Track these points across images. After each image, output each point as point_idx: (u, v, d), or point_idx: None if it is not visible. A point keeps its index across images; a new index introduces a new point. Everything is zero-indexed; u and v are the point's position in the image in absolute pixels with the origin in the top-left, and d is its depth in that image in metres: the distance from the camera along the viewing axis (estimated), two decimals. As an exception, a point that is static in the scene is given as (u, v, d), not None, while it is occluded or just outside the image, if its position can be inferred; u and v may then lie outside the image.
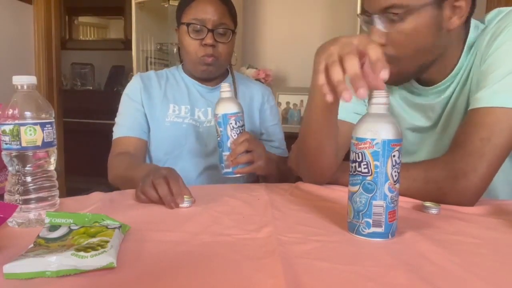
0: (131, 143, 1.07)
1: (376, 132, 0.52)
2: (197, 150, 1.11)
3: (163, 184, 0.69)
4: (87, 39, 4.29)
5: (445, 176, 0.69)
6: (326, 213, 0.66)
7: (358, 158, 0.53)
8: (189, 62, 1.10)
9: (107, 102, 2.00)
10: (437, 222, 0.62)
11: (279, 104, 2.36)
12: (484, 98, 0.69)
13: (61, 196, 0.66)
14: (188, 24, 1.04)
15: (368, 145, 0.52)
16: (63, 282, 0.40)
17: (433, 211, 0.67)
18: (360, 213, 0.54)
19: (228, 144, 0.87)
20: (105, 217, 0.55)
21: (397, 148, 0.52)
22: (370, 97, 0.54)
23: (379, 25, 0.73)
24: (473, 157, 0.68)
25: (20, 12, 2.34)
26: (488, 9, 0.79)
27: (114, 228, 0.51)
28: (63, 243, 0.47)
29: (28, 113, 0.58)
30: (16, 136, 0.57)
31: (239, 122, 0.88)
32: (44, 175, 0.61)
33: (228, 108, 0.87)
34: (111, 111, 1.20)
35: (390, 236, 0.54)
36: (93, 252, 0.43)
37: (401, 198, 0.59)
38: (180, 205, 0.68)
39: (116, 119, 1.12)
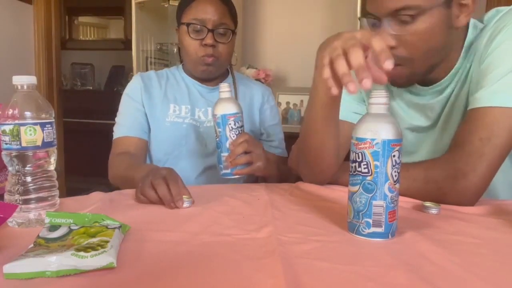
0: (132, 143, 1.07)
1: (376, 132, 0.52)
2: (197, 150, 1.11)
3: (162, 184, 0.69)
4: (87, 39, 4.29)
5: (445, 176, 0.69)
6: (326, 213, 0.66)
7: (358, 158, 0.53)
8: (189, 62, 1.10)
9: (107, 102, 2.00)
10: (437, 222, 0.62)
11: (279, 104, 2.36)
12: (483, 98, 0.69)
13: (61, 196, 0.66)
14: (188, 24, 1.04)
15: (368, 145, 0.52)
16: (63, 282, 0.40)
17: (433, 211, 0.67)
18: (360, 213, 0.54)
19: (227, 145, 0.87)
20: (105, 217, 0.55)
21: (397, 148, 0.52)
22: (370, 97, 0.54)
23: (389, 27, 0.71)
24: (472, 157, 0.68)
25: (20, 12, 2.34)
26: (488, 8, 0.79)
27: (114, 228, 0.51)
28: (63, 243, 0.47)
29: (28, 113, 0.58)
30: (16, 136, 0.57)
31: (238, 122, 0.87)
32: (44, 175, 0.61)
33: (227, 108, 0.86)
34: (111, 111, 1.20)
35: (390, 236, 0.54)
36: (93, 252, 0.43)
37: (401, 198, 0.59)
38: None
39: (117, 119, 1.12)
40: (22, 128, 0.58)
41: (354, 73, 0.56)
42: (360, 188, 0.54)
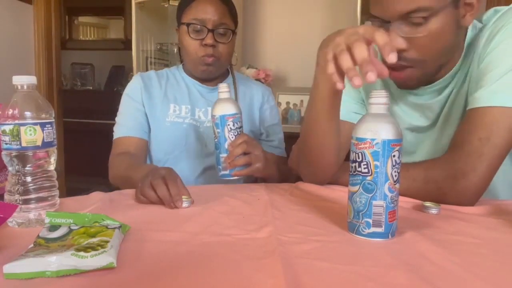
0: (132, 143, 1.07)
1: (376, 132, 0.52)
2: (198, 150, 1.11)
3: (162, 185, 0.69)
4: (87, 39, 4.29)
5: (445, 176, 0.69)
6: (326, 213, 0.66)
7: (358, 158, 0.53)
8: (190, 62, 1.10)
9: (107, 102, 2.00)
10: (437, 222, 0.62)
11: (279, 104, 2.36)
12: (483, 98, 0.70)
13: (61, 196, 0.66)
14: (188, 24, 1.04)
15: (368, 145, 0.52)
16: (63, 282, 0.41)
17: (433, 211, 0.67)
18: (360, 213, 0.54)
19: (226, 146, 0.86)
20: (105, 217, 0.55)
21: (397, 148, 0.52)
22: (369, 97, 0.54)
23: (398, 30, 0.70)
24: (472, 157, 0.68)
25: (20, 12, 2.34)
26: (488, 8, 0.79)
27: (114, 228, 0.51)
28: (63, 243, 0.47)
29: (28, 113, 0.58)
30: (16, 136, 0.57)
31: (237, 123, 0.87)
32: (44, 175, 0.61)
33: (226, 109, 0.86)
34: (111, 111, 1.20)
35: (390, 236, 0.54)
36: (93, 252, 0.43)
37: (401, 198, 0.59)
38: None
39: (117, 119, 1.12)
40: (22, 128, 0.58)
41: (358, 67, 0.56)
42: (360, 188, 0.54)
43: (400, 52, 0.70)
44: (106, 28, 4.28)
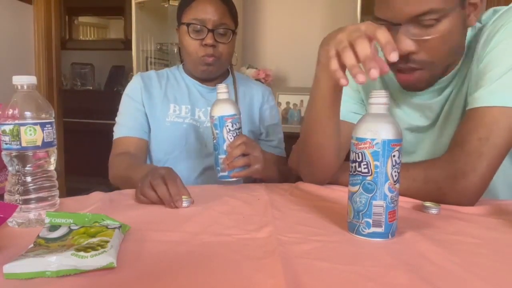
0: (132, 143, 1.07)
1: (376, 132, 0.52)
2: (197, 150, 1.11)
3: (161, 184, 0.69)
4: (87, 39, 4.29)
5: (444, 176, 0.69)
6: (326, 213, 0.66)
7: (358, 158, 0.53)
8: (190, 62, 1.10)
9: (107, 102, 2.00)
10: (437, 222, 0.62)
11: (279, 104, 2.36)
12: (482, 98, 0.70)
13: (61, 196, 0.66)
14: (188, 24, 1.04)
15: (368, 145, 0.52)
16: (63, 282, 0.41)
17: (433, 211, 0.67)
18: (360, 213, 0.54)
19: (224, 147, 0.86)
20: (105, 217, 0.55)
21: (397, 148, 0.52)
22: (369, 97, 0.54)
23: (408, 33, 0.69)
24: (472, 157, 0.68)
25: (20, 12, 2.34)
26: (488, 8, 0.79)
27: (114, 228, 0.51)
28: (63, 243, 0.47)
29: (28, 113, 0.58)
30: (16, 136, 0.57)
31: (236, 124, 0.86)
32: (44, 175, 0.61)
33: (224, 110, 0.85)
34: (111, 111, 1.20)
35: (390, 236, 0.54)
36: (93, 252, 0.43)
37: (401, 198, 0.59)
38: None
39: (117, 119, 1.12)
40: (22, 128, 0.58)
41: (361, 64, 0.56)
42: (360, 188, 0.54)
43: (409, 54, 0.70)
44: (106, 28, 4.28)
